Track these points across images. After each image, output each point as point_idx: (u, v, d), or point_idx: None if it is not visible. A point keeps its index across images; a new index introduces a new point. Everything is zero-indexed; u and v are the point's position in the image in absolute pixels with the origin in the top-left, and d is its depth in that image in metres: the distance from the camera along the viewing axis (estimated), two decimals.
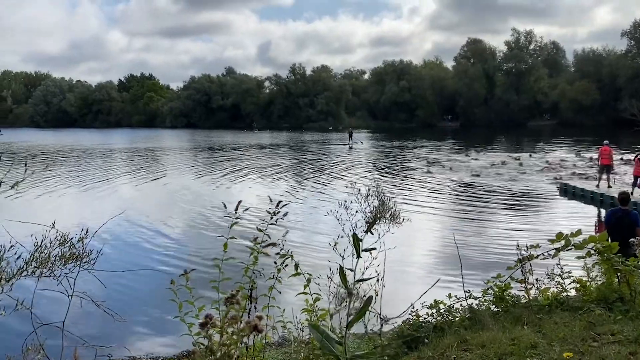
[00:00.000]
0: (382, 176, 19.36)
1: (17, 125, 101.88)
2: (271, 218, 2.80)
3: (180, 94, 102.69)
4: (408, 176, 19.17)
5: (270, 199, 2.99)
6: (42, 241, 1.94)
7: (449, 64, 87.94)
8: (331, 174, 20.38)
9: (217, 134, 67.34)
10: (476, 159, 24.68)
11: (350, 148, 37.27)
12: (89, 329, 4.82)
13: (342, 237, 2.41)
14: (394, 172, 20.64)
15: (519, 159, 23.16)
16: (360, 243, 2.13)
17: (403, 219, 2.17)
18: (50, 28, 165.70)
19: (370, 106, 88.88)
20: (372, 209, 2.18)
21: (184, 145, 42.96)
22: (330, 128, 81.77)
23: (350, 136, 41.18)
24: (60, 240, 1.99)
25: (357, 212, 2.28)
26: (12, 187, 2.10)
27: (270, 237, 2.75)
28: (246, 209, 3.15)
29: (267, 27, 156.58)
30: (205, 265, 7.46)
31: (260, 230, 2.79)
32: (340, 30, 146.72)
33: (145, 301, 6.67)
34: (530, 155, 24.91)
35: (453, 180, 17.79)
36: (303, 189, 16.46)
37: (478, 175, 18.69)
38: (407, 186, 16.68)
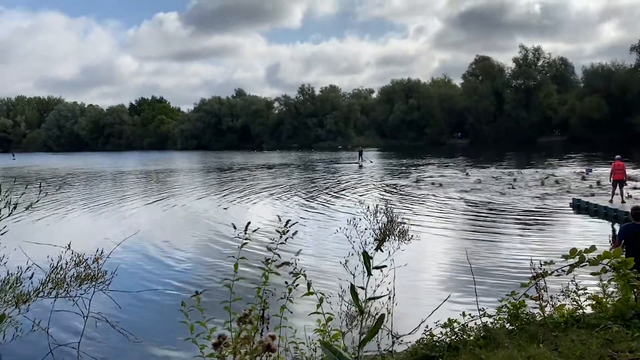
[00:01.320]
0: (391, 194, 19.31)
1: (31, 150, 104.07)
2: (281, 237, 2.78)
3: (191, 116, 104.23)
4: (416, 194, 19.10)
5: (280, 218, 3.01)
6: (58, 262, 1.98)
7: (457, 81, 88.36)
8: (340, 192, 20.38)
9: (227, 155, 67.88)
10: (468, 176, 24.70)
11: (360, 166, 37.27)
12: (104, 349, 4.83)
13: (352, 254, 2.41)
14: (402, 189, 20.59)
15: (512, 175, 23.30)
16: (371, 261, 2.14)
17: (412, 236, 2.20)
18: (63, 54, 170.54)
19: (379, 125, 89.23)
20: (381, 226, 2.22)
21: (194, 166, 43.37)
22: (340, 147, 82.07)
23: (360, 155, 41.32)
24: (75, 261, 2.03)
25: (366, 229, 2.29)
26: (26, 209, 2.16)
27: (280, 257, 2.76)
28: (256, 229, 3.17)
29: (275, 49, 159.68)
30: (217, 285, 7.47)
31: (270, 249, 2.80)
32: (347, 51, 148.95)
33: (159, 321, 6.67)
34: (518, 173, 24.63)
35: (461, 197, 17.71)
36: (312, 207, 16.47)
37: (467, 192, 18.77)
38: (416, 203, 16.61)
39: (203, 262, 9.80)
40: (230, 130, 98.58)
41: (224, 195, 20.42)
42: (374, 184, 23.31)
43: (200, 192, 22.28)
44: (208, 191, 22.42)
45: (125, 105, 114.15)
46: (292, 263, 2.69)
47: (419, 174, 27.46)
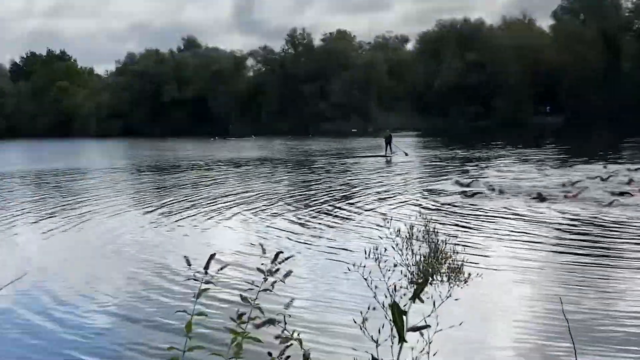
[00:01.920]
0: (436, 207, 19.40)
1: None
2: (265, 280, 2.85)
3: (112, 83, 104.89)
4: (475, 206, 19.16)
5: (263, 248, 3.04)
6: None
7: (544, 23, 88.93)
8: (354, 204, 20.49)
9: (171, 144, 68.20)
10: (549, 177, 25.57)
11: (388, 161, 37.45)
12: None
13: (373, 307, 2.43)
14: (453, 200, 20.65)
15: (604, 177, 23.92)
16: (404, 318, 2.20)
17: (470, 276, 2.22)
18: None
19: (417, 95, 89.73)
20: (419, 259, 2.24)
21: (117, 164, 43.57)
22: (354, 130, 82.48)
23: (388, 143, 41.62)
24: None
25: (395, 265, 2.31)
26: None
27: (262, 312, 2.83)
28: (223, 267, 3.20)
29: None
30: None
31: (246, 299, 2.87)
32: None
33: None
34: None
35: (548, 209, 17.77)
36: (312, 229, 16.54)
37: (557, 201, 19.36)
38: (476, 222, 16.68)
39: (132, 320, 9.84)
40: (176, 105, 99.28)
41: (166, 211, 20.49)
42: (408, 191, 23.39)
43: (128, 206, 22.37)
44: (141, 204, 22.52)
45: (4, 65, 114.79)
46: (280, 321, 2.70)
47: (481, 175, 27.53)
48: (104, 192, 26.71)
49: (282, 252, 2.94)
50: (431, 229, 2.21)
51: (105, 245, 15.56)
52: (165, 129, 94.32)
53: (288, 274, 2.89)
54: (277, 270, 2.86)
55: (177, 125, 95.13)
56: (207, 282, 2.96)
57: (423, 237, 2.23)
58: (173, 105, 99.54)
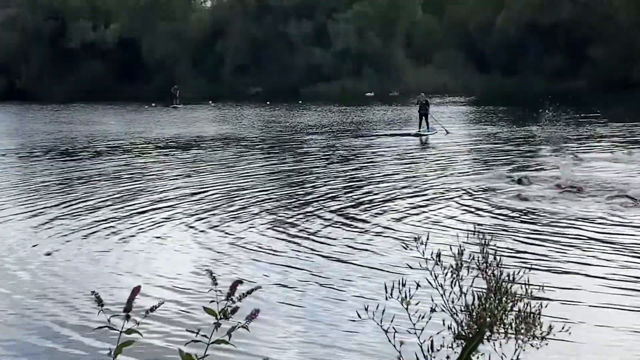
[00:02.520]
0: (496, 218, 19.39)
1: None
2: (217, 327, 2.89)
3: None
4: (553, 216, 19.21)
5: (212, 276, 3.00)
6: None
7: None
8: (368, 211, 20.54)
9: (82, 115, 68.03)
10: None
11: (423, 142, 37.58)
12: None
13: None
14: (524, 206, 20.67)
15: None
16: None
17: (550, 329, 2.19)
18: None
19: (469, 40, 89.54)
20: (472, 302, 2.21)
21: None
22: (370, 94, 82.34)
23: (423, 115, 41.65)
24: None
25: (433, 310, 2.33)
26: None
27: None
28: (154, 307, 3.16)
29: None
30: None
31: (187, 357, 2.84)
32: None
33: None
34: None
35: None
36: (297, 248, 16.51)
37: None
38: (560, 242, 16.68)
39: None
40: (91, 54, 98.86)
41: (70, 219, 20.49)
42: (451, 191, 23.38)
43: (12, 209, 22.34)
44: (31, 208, 22.49)
45: None
46: None
47: (568, 165, 27.51)
48: None
49: (241, 282, 2.91)
50: (491, 255, 2.17)
51: None
52: (74, 90, 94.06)
53: (253, 315, 2.86)
54: (236, 309, 2.84)
55: (92, 85, 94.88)
56: (129, 332, 2.92)
57: (477, 267, 2.19)
58: (85, 53, 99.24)
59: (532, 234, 17.35)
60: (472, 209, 20.42)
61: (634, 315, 11.63)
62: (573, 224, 18.20)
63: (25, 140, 46.21)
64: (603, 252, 15.71)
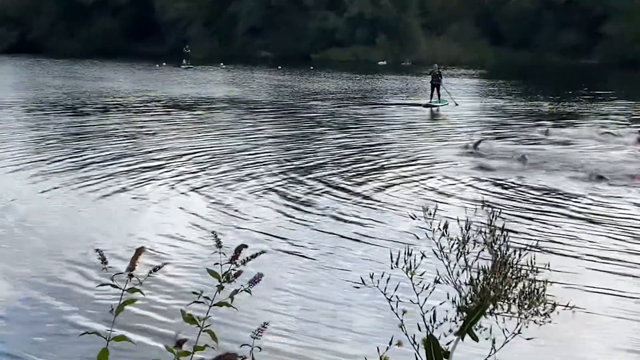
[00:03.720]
0: (502, 190, 19.41)
1: None
2: (220, 289, 2.89)
3: None
4: (562, 192, 19.21)
5: (217, 239, 2.99)
6: None
7: None
8: (376, 179, 20.54)
9: (93, 70, 67.92)
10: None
11: (434, 113, 37.42)
12: None
13: (398, 344, 2.45)
14: (528, 181, 20.65)
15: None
16: None
17: (554, 306, 2.21)
18: None
19: (484, 12, 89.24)
20: (476, 275, 2.25)
21: (6, 97, 43.40)
22: (382, 63, 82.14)
23: (435, 86, 41.51)
24: None
25: (437, 281, 2.33)
26: None
27: (216, 341, 2.83)
28: (157, 268, 3.15)
29: None
30: None
31: (191, 318, 2.84)
32: None
33: None
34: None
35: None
36: (301, 214, 16.55)
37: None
38: (562, 217, 16.69)
39: (13, 344, 9.88)
40: (104, 10, 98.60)
41: (76, 174, 20.51)
42: (460, 163, 23.34)
43: (18, 164, 22.36)
44: (38, 162, 22.53)
45: None
46: (245, 357, 2.75)
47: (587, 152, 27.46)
48: None
49: (246, 246, 2.90)
50: (498, 228, 2.16)
51: None
52: (86, 45, 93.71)
53: (256, 279, 2.86)
54: (239, 273, 2.84)
55: (104, 41, 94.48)
56: (131, 290, 2.92)
57: (484, 240, 2.19)
58: (98, 9, 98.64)
59: (537, 201, 17.41)
60: (484, 183, 20.38)
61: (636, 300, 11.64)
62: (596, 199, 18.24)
63: (36, 92, 46.14)
64: (607, 218, 15.77)
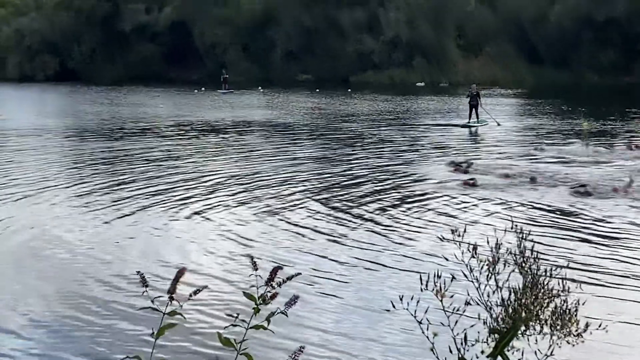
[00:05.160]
0: (539, 213, 19.31)
1: None
2: (256, 312, 2.91)
3: (43, 1, 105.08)
4: (597, 210, 19.06)
5: (253, 262, 3.01)
6: None
7: None
8: (409, 200, 20.60)
9: (131, 96, 68.34)
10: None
11: (472, 133, 37.40)
12: None
13: None
14: (569, 201, 20.51)
15: None
16: None
17: (587, 326, 2.19)
18: None
19: (522, 33, 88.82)
20: (507, 296, 2.23)
21: (47, 123, 43.87)
22: (420, 85, 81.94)
23: (474, 106, 41.40)
24: None
25: (468, 303, 2.34)
26: None
27: None
28: (197, 290, 3.18)
29: None
30: None
31: (228, 342, 2.84)
32: None
33: None
34: None
35: None
36: (335, 237, 16.53)
37: None
38: (603, 238, 16.53)
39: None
40: (143, 37, 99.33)
41: (116, 197, 20.67)
42: (493, 186, 23.19)
43: (59, 187, 22.57)
44: (78, 186, 22.70)
45: None
46: None
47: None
48: (24, 165, 26.89)
49: (281, 268, 2.92)
50: (529, 249, 2.16)
51: (20, 248, 15.68)
52: (126, 72, 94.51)
53: (292, 301, 2.87)
54: (275, 295, 2.85)
55: (143, 67, 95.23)
56: (172, 314, 2.94)
57: (515, 261, 2.19)
58: (137, 36, 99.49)
59: (579, 228, 17.29)
60: (518, 204, 20.28)
61: None
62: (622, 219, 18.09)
63: (76, 119, 46.50)
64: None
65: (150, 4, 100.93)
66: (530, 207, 19.72)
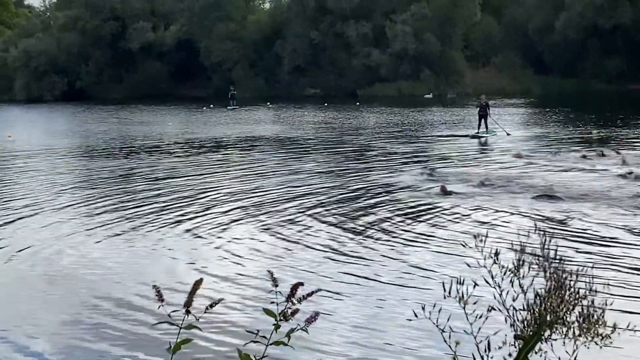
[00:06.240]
0: (557, 217, 19.24)
1: None
2: (276, 328, 2.90)
3: (49, 18, 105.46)
4: (617, 216, 18.98)
5: (273, 278, 2.99)
6: None
7: None
8: (426, 210, 20.50)
9: (140, 115, 68.52)
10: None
11: (482, 143, 37.38)
12: None
13: None
14: (587, 206, 20.44)
15: None
16: None
17: (614, 328, 2.19)
18: None
19: (528, 42, 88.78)
20: (532, 301, 2.21)
21: (57, 143, 43.93)
22: (428, 96, 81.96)
23: (483, 117, 41.44)
24: None
25: (491, 309, 2.33)
26: None
27: None
28: (214, 304, 3.16)
29: None
30: None
31: (246, 357, 2.83)
32: None
33: None
34: None
35: None
36: (354, 250, 16.49)
37: None
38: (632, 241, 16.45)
39: None
40: (151, 55, 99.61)
41: (130, 214, 20.68)
42: (511, 193, 23.18)
43: (72, 206, 22.58)
44: (91, 204, 22.71)
45: None
46: None
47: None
48: (35, 185, 26.93)
49: (302, 284, 2.90)
50: (552, 252, 2.14)
51: (34, 266, 15.69)
52: (133, 90, 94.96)
53: (313, 318, 2.85)
54: (296, 311, 2.83)
55: (150, 85, 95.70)
56: (188, 327, 2.92)
57: (538, 264, 2.17)
58: (144, 54, 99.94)
59: (602, 233, 17.26)
60: (536, 210, 20.24)
61: None
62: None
63: (86, 139, 46.64)
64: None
65: (156, 22, 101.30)
66: (544, 218, 19.64)
